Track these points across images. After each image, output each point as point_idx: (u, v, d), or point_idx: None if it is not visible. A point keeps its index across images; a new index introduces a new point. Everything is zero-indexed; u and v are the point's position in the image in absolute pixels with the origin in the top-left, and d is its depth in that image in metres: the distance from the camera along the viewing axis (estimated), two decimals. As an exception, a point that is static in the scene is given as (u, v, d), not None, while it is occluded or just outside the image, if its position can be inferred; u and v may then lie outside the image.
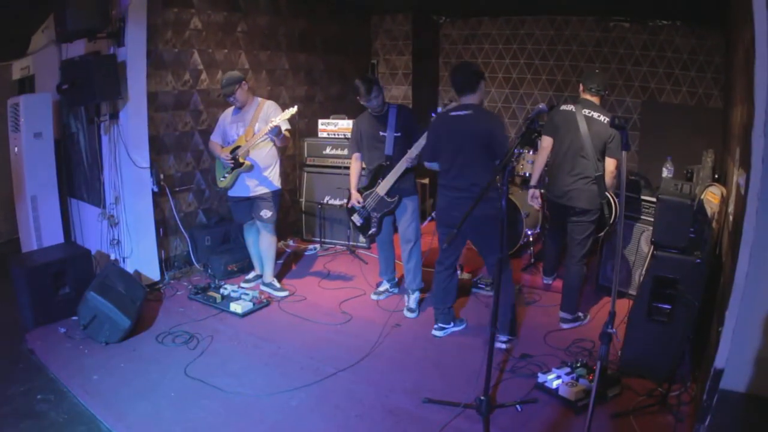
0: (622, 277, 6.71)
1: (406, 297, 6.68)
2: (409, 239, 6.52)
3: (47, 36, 7.39)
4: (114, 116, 6.73)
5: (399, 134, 6.34)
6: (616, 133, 5.49)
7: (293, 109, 6.29)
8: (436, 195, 5.96)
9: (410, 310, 6.53)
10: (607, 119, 5.60)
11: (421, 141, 6.04)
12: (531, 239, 7.80)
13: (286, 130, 6.47)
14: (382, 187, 6.37)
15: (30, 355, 5.68)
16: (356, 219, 6.66)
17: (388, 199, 6.40)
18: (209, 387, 4.96)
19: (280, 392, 4.88)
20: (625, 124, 4.04)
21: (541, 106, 4.48)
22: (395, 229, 6.76)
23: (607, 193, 5.87)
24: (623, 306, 5.98)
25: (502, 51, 10.07)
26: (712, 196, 5.93)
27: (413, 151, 6.13)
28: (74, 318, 6.02)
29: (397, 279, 7.11)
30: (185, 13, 7.28)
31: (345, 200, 6.87)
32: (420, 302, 6.66)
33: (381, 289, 7.04)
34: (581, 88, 5.98)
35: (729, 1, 6.22)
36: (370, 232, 6.68)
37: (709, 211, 5.67)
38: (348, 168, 6.92)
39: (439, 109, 5.51)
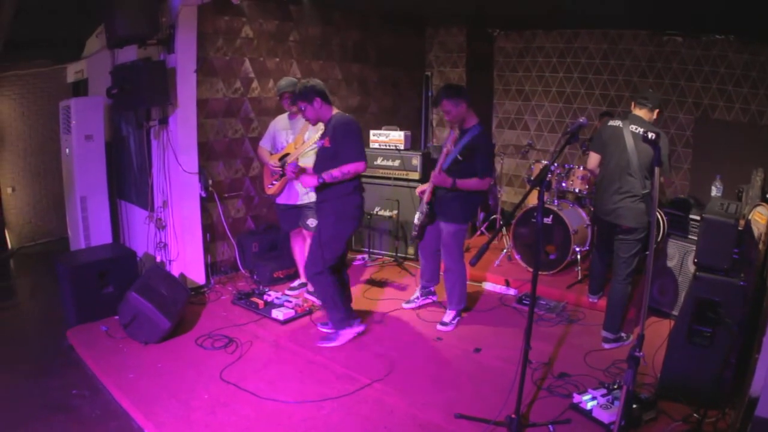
0: (669, 298, 6.54)
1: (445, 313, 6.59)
2: (443, 261, 6.45)
3: (101, 41, 7.55)
4: (163, 121, 6.83)
5: (460, 158, 6.05)
6: (661, 147, 5.36)
7: None
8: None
9: (443, 323, 6.44)
10: (654, 135, 5.46)
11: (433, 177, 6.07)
12: (579, 256, 7.65)
13: None
14: (427, 196, 6.25)
15: (70, 351, 5.81)
16: (416, 217, 6.44)
17: (425, 206, 6.26)
18: (242, 391, 4.97)
19: (312, 400, 4.86)
20: (657, 140, 3.94)
21: (582, 120, 4.38)
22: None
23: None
24: (666, 327, 5.78)
25: (556, 64, 9.97)
26: (759, 217, 5.75)
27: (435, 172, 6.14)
28: (116, 317, 6.10)
29: (433, 288, 7.03)
30: (236, 22, 7.39)
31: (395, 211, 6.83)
32: (457, 321, 6.53)
33: (411, 297, 7.01)
34: (633, 104, 5.87)
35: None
36: (413, 233, 6.56)
37: (756, 232, 5.50)
38: (398, 179, 6.85)
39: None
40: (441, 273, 6.72)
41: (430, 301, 7.01)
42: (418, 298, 6.98)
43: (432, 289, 7.02)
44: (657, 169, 3.90)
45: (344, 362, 5.54)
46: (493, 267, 8.02)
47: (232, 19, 7.33)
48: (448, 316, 6.49)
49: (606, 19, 8.64)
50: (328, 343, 5.86)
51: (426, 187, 6.34)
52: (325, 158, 5.70)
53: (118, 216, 7.96)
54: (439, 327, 6.40)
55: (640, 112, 5.71)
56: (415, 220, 6.46)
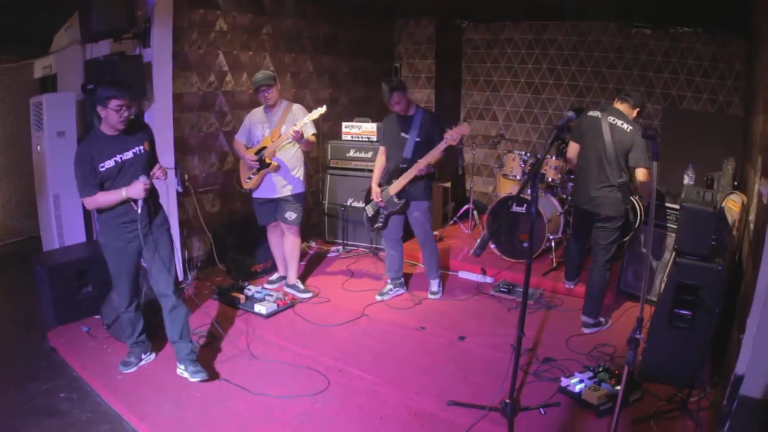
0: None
1: (429, 285, 7.11)
2: (420, 241, 6.87)
3: (70, 35, 7.41)
4: (140, 116, 6.71)
5: (419, 140, 6.46)
6: (637, 141, 5.53)
7: (322, 109, 6.35)
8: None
9: (433, 293, 7.06)
10: (630, 128, 5.60)
11: (435, 152, 6.25)
12: (553, 244, 7.77)
13: (313, 134, 6.53)
14: (393, 188, 6.55)
15: (52, 353, 5.71)
16: (368, 209, 6.92)
17: (396, 200, 6.59)
18: (234, 387, 4.95)
19: (305, 394, 4.87)
20: (655, 134, 4.02)
21: (570, 114, 4.45)
22: (404, 230, 6.95)
23: (632, 199, 5.86)
24: (644, 312, 5.90)
25: (525, 56, 10.06)
26: (732, 204, 5.92)
27: (423, 162, 6.32)
28: (97, 317, 6.04)
29: (403, 279, 7.21)
30: (211, 15, 7.32)
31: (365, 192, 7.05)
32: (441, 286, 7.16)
33: (385, 289, 7.13)
34: (616, 98, 5.97)
35: (752, 8, 6.17)
36: (376, 225, 6.92)
37: (729, 219, 5.67)
38: (371, 171, 6.97)
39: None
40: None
41: (403, 291, 7.20)
42: (391, 290, 7.10)
43: (403, 279, 7.22)
44: (655, 163, 3.95)
45: (332, 355, 5.55)
46: (468, 256, 8.08)
47: (207, 12, 7.26)
48: (434, 285, 7.08)
49: (575, 11, 8.74)
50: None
51: (379, 191, 6.72)
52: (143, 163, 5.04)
53: (91, 214, 7.83)
54: (431, 296, 7.02)
55: (621, 107, 5.81)
56: (369, 213, 6.92)
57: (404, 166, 6.47)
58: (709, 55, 8.38)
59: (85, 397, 4.96)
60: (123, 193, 4.80)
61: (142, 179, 4.82)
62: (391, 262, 7.10)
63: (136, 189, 4.78)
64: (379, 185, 6.72)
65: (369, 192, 6.90)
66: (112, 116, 4.72)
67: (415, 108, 6.62)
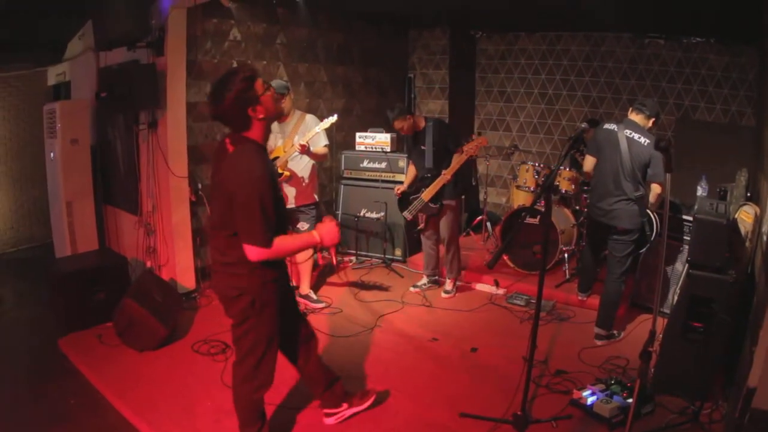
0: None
1: (444, 282, 7.54)
2: (444, 236, 7.21)
3: (84, 43, 7.48)
4: (153, 125, 6.76)
5: (435, 148, 6.91)
6: (655, 155, 5.50)
7: (333, 118, 6.37)
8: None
9: (446, 292, 7.44)
10: (648, 141, 5.56)
11: (456, 164, 6.72)
12: (566, 256, 7.74)
13: (324, 145, 6.54)
14: (426, 195, 6.90)
15: (63, 360, 5.71)
16: (406, 215, 7.21)
17: (432, 205, 6.95)
18: (245, 397, 4.92)
19: (316, 405, 4.79)
20: (669, 147, 4.01)
21: (583, 125, 4.45)
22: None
23: (648, 212, 5.83)
24: (658, 324, 5.87)
25: (538, 66, 10.04)
26: (746, 216, 5.88)
27: (448, 173, 6.76)
28: (109, 324, 6.02)
29: (437, 277, 7.70)
30: (225, 24, 7.32)
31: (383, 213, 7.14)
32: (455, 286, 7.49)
33: (420, 282, 7.67)
34: (630, 109, 5.94)
35: (764, 18, 6.15)
36: (417, 228, 7.56)
37: (742, 231, 5.64)
38: (385, 181, 7.77)
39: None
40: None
41: (437, 285, 7.71)
42: (426, 284, 7.66)
43: (438, 277, 7.74)
44: (668, 175, 3.94)
45: (343, 366, 5.45)
46: (482, 267, 8.05)
47: (221, 22, 7.26)
48: (449, 284, 7.46)
49: (589, 21, 8.72)
50: None
51: (403, 188, 7.32)
52: None
53: (103, 221, 7.86)
54: (443, 294, 7.40)
55: (637, 118, 5.78)
56: (408, 216, 7.17)
57: (429, 175, 6.91)
58: (722, 65, 8.35)
59: (96, 404, 4.95)
60: (315, 235, 3.65)
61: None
62: (428, 260, 7.59)
63: (332, 232, 3.70)
64: (413, 193, 7.07)
65: (401, 200, 7.25)
66: (270, 106, 3.60)
67: (425, 121, 7.07)
